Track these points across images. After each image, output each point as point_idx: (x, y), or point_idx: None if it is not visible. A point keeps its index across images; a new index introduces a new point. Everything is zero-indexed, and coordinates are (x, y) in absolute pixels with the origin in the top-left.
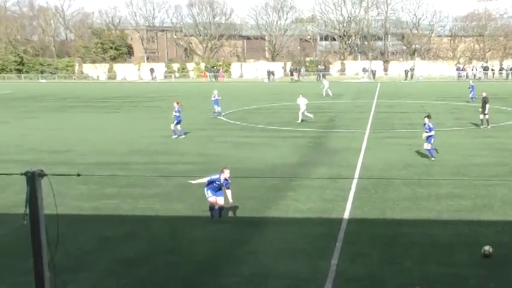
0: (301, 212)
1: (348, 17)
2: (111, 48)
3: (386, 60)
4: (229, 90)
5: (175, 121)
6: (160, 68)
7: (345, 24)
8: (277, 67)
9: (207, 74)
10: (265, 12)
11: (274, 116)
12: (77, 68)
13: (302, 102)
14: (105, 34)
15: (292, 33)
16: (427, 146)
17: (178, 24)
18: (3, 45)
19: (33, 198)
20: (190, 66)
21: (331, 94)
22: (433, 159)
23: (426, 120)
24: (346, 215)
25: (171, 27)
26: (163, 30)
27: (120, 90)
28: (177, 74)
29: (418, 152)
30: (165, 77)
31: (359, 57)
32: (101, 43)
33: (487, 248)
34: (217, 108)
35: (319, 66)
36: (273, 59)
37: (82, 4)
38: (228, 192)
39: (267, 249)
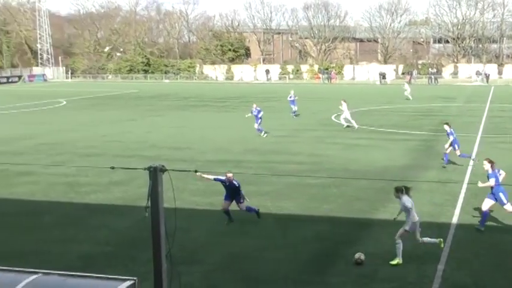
0: None
1: (463, 19)
2: (230, 50)
3: (501, 64)
4: (341, 92)
5: (258, 121)
6: (275, 69)
7: (459, 27)
8: (389, 69)
9: (320, 75)
10: (378, 15)
11: (385, 118)
12: (197, 68)
13: (345, 107)
14: (225, 36)
15: (405, 35)
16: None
17: (294, 27)
18: (132, 47)
19: (154, 192)
20: (304, 68)
21: (411, 98)
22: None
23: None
24: (455, 220)
25: (287, 29)
26: (279, 33)
27: (237, 91)
28: (291, 76)
29: None
30: (280, 78)
31: (472, 60)
32: (221, 45)
33: (357, 255)
34: (294, 108)
35: (430, 69)
36: (385, 62)
37: (204, 8)
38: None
39: (374, 251)
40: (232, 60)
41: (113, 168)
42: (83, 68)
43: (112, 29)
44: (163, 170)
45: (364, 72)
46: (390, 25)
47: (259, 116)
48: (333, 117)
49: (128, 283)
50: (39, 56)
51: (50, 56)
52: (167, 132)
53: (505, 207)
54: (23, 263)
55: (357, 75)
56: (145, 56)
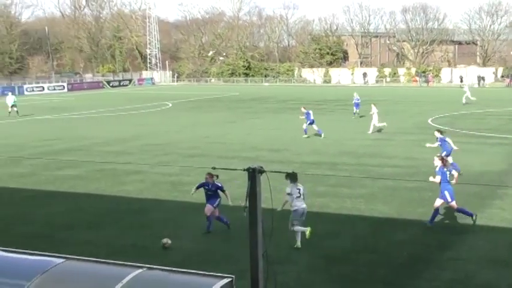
0: (507, 222)
1: None
2: (328, 53)
3: None
4: (438, 96)
5: (308, 122)
6: (372, 72)
7: None
8: (488, 72)
9: (418, 78)
10: (478, 17)
11: (482, 122)
12: (296, 72)
13: (375, 111)
14: (323, 40)
15: (506, 37)
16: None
17: (392, 30)
18: (234, 51)
19: (252, 193)
20: (401, 71)
21: (464, 102)
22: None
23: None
24: None
25: (385, 32)
26: (377, 36)
27: (334, 94)
28: (388, 79)
29: None
30: (377, 81)
31: None
32: (319, 49)
33: (164, 240)
34: (356, 110)
35: None
36: (484, 64)
37: (304, 12)
38: (227, 193)
39: (469, 256)
40: (330, 64)
41: (214, 168)
42: (188, 71)
43: (216, 34)
44: (261, 171)
45: (463, 75)
46: (490, 27)
47: (310, 117)
48: (429, 121)
49: (226, 280)
50: (148, 61)
51: (158, 61)
52: (266, 134)
53: (450, 204)
54: (130, 257)
55: (454, 78)
56: (247, 59)
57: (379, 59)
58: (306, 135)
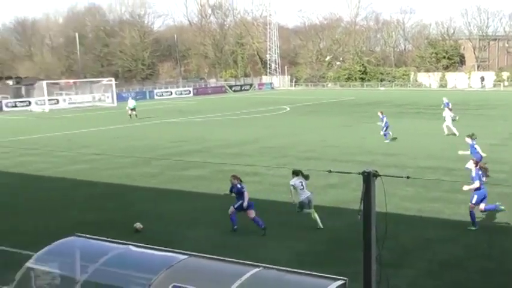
0: None
1: None
2: (444, 57)
3: None
4: None
5: (384, 127)
6: (490, 76)
7: None
8: None
9: None
10: None
11: None
12: (412, 76)
13: (447, 114)
14: (440, 44)
15: None
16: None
17: (511, 33)
18: (351, 56)
19: (367, 196)
20: None
21: None
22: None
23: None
24: None
25: (504, 35)
26: (496, 39)
27: (450, 98)
28: (506, 83)
29: None
30: (494, 85)
31: None
32: (435, 53)
33: (137, 225)
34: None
35: None
36: None
37: (421, 16)
38: (246, 195)
39: None
40: (446, 68)
41: (330, 171)
42: (306, 76)
43: (333, 39)
44: (376, 175)
45: None
46: None
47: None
48: None
49: (339, 283)
50: (268, 66)
51: (277, 66)
52: (381, 138)
53: (476, 206)
54: (248, 257)
55: None
56: (363, 64)
57: (497, 63)
58: (386, 140)
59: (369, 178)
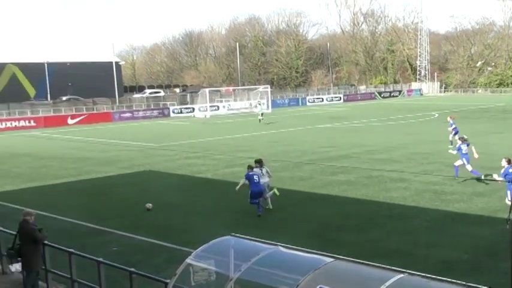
0: None
1: None
2: None
3: None
4: None
5: (453, 132)
6: None
7: None
8: None
9: None
10: None
11: None
12: None
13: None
14: None
15: None
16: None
17: None
18: (503, 61)
19: None
20: None
21: None
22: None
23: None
24: None
25: None
26: None
27: None
28: None
29: None
30: None
31: None
32: None
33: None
34: None
35: None
36: None
37: None
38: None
39: None
40: None
41: (484, 177)
42: (455, 82)
43: (485, 44)
44: None
45: None
46: None
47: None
48: None
49: None
50: (417, 72)
51: (427, 72)
52: None
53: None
54: (392, 261)
55: None
56: None
57: None
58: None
59: None
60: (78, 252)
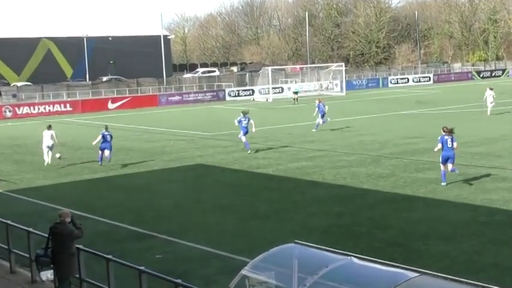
0: None
1: None
2: None
3: None
4: None
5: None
6: None
7: None
8: None
9: None
10: None
11: None
12: None
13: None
14: None
15: None
16: None
17: None
18: None
19: None
20: None
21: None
22: None
23: None
24: None
25: None
26: None
27: None
28: None
29: None
30: None
31: None
32: None
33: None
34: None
35: None
36: None
37: None
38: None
39: None
40: None
41: None
42: None
43: None
44: None
45: None
46: None
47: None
48: None
49: None
50: None
51: None
52: None
53: None
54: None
55: None
56: None
57: None
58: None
59: None
60: (117, 259)
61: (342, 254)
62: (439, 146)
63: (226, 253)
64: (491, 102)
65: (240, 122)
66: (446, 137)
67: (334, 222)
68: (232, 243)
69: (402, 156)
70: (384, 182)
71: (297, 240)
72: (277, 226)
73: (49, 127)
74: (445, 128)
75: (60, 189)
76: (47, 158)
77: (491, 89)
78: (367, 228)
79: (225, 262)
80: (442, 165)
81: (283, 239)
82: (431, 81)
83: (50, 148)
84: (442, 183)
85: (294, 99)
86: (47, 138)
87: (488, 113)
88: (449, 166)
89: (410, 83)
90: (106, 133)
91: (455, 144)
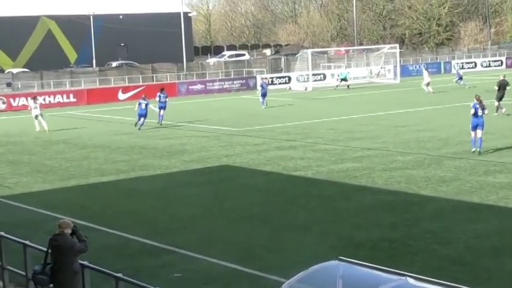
0: None
1: None
2: None
3: None
4: None
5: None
6: None
7: None
8: None
9: None
10: None
11: None
12: None
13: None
14: None
15: None
16: None
17: None
18: None
19: None
20: None
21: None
22: None
23: None
24: None
25: None
26: None
27: None
28: None
29: None
30: None
31: None
32: None
33: None
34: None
35: None
36: None
37: None
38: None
39: None
40: None
41: None
42: None
43: None
44: None
45: None
46: None
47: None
48: None
49: None
50: None
51: None
52: None
53: None
54: None
55: None
56: None
57: None
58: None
59: None
60: (128, 278)
61: (396, 273)
62: (472, 111)
63: (256, 271)
64: None
65: None
66: (477, 106)
67: (386, 235)
68: (264, 260)
69: (468, 156)
70: (446, 188)
71: (341, 257)
72: (318, 240)
73: (34, 98)
74: (477, 96)
75: (61, 194)
76: (37, 126)
77: None
78: (426, 243)
79: (255, 282)
80: (472, 132)
81: (325, 255)
82: (504, 66)
83: (36, 117)
84: (472, 149)
85: (338, 86)
86: (35, 109)
87: None
88: (479, 133)
89: (478, 68)
90: (142, 101)
91: (486, 111)
